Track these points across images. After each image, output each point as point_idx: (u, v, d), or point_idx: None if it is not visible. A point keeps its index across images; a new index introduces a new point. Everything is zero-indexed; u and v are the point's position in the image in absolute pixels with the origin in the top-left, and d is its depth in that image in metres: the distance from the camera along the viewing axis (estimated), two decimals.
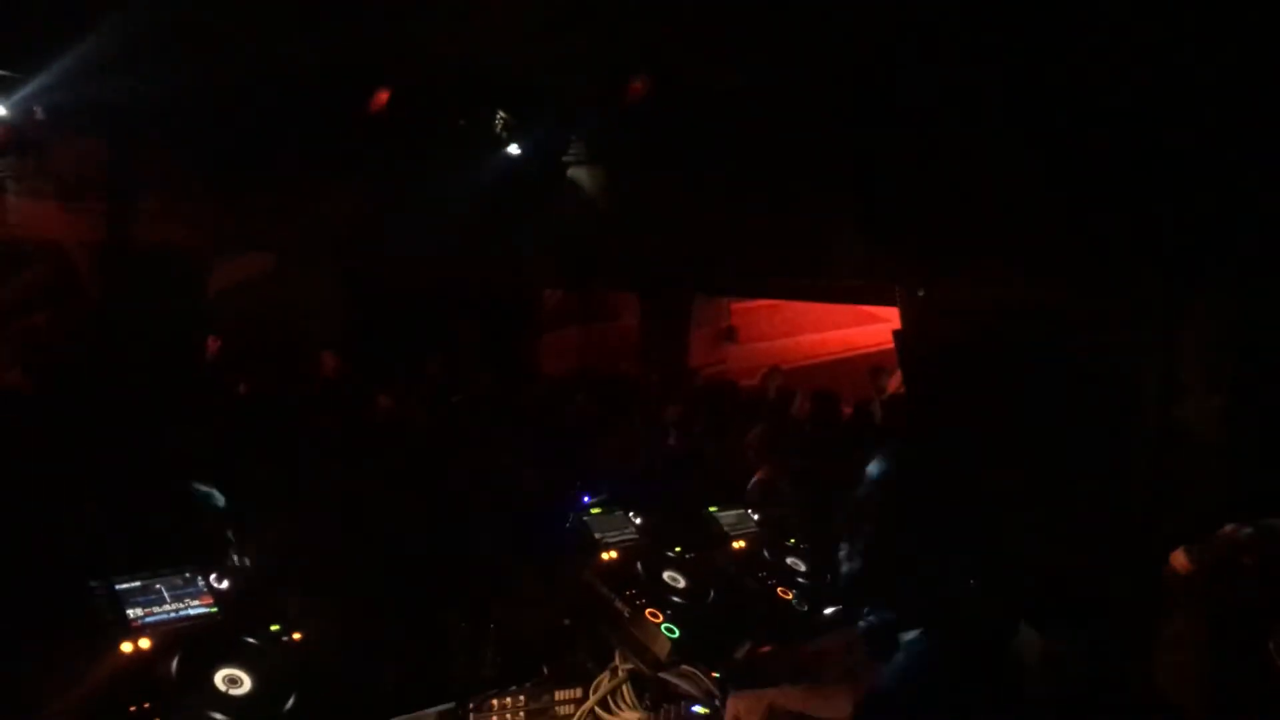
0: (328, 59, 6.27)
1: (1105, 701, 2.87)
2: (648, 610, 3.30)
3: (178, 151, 8.45)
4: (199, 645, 2.53)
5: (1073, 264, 4.79)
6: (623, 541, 3.60)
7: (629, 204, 7.02)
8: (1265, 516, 4.46)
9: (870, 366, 12.60)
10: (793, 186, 6.25)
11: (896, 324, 5.85)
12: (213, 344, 9.38)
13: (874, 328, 13.18)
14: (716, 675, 3.31)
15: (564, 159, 7.04)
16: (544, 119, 6.23)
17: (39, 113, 6.77)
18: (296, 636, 2.67)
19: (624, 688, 3.29)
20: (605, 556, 3.50)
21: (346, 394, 7.32)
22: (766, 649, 3.55)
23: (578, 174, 7.22)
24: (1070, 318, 4.86)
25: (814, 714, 2.90)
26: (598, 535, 3.58)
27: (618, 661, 3.31)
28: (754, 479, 6.26)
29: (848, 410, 9.94)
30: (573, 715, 3.20)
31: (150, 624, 2.55)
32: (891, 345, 6.44)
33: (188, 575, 2.69)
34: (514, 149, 6.65)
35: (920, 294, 5.37)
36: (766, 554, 4.08)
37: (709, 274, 7.14)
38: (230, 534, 4.17)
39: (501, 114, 6.33)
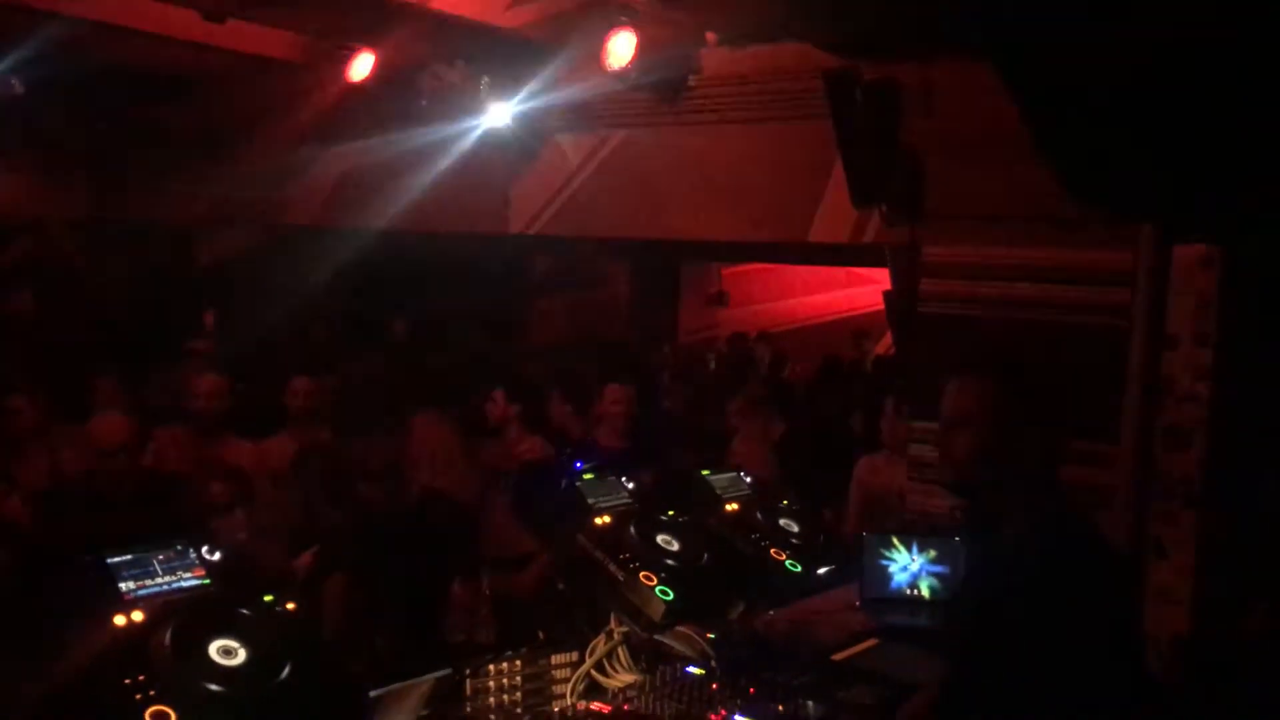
0: (310, 25, 6.22)
1: None
2: (642, 573, 3.32)
3: (162, 122, 8.37)
4: (192, 617, 2.52)
5: (1062, 219, 4.77)
6: (616, 506, 3.61)
7: (615, 167, 6.98)
8: (1253, 471, 4.49)
9: (852, 331, 12.67)
10: (780, 145, 6.22)
11: (887, 285, 5.84)
12: (208, 319, 9.34)
13: (865, 289, 13.19)
14: (711, 636, 3.34)
15: (549, 124, 6.98)
16: (528, 81, 6.18)
17: (18, 86, 6.68)
18: (290, 606, 2.67)
19: (620, 650, 3.31)
20: (599, 521, 3.52)
21: (327, 361, 7.31)
22: (760, 610, 3.59)
23: (563, 139, 7.16)
24: (1058, 273, 4.85)
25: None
26: (591, 500, 3.59)
27: (613, 625, 3.33)
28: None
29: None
30: (569, 679, 3.22)
31: (143, 596, 2.55)
32: (881, 307, 6.43)
33: (179, 548, 2.68)
34: (498, 112, 6.58)
35: (909, 255, 5.35)
36: (759, 516, 4.10)
37: (697, 238, 7.11)
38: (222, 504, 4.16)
39: (485, 78, 6.26)
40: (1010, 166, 4.74)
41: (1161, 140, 4.21)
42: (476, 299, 10.82)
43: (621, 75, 5.54)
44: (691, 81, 6.27)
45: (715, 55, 6.25)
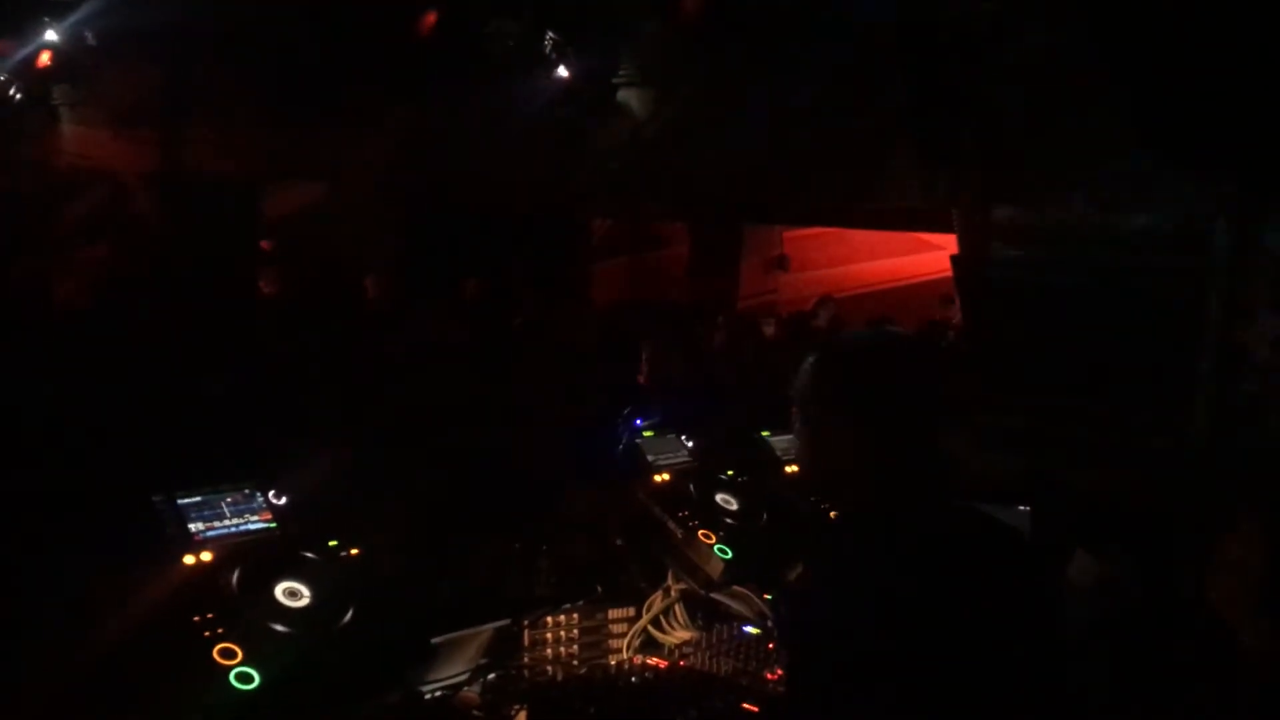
0: None
1: (1157, 623, 2.83)
2: (700, 531, 3.31)
3: (230, 78, 8.45)
4: (259, 559, 2.57)
5: (1136, 184, 4.65)
6: (675, 464, 3.61)
7: (679, 128, 6.92)
8: None
9: (941, 296, 12.39)
10: (848, 107, 6.11)
11: (952, 250, 5.73)
12: (267, 273, 9.46)
13: (929, 255, 12.96)
14: (768, 596, 3.33)
15: (614, 80, 6.93)
16: (594, 39, 6.13)
17: (90, 38, 6.78)
18: (354, 552, 2.71)
19: (676, 607, 3.31)
20: (658, 479, 3.52)
21: (392, 316, 7.38)
22: None
23: (628, 96, 7.11)
24: (1133, 240, 4.73)
25: None
26: (650, 458, 3.59)
27: (670, 582, 3.33)
28: None
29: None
30: (626, 633, 3.23)
31: (212, 538, 2.61)
32: (948, 273, 6.31)
33: (247, 491, 2.74)
34: (563, 70, 6.55)
35: (979, 218, 5.24)
36: None
37: (760, 200, 7.04)
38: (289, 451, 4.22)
39: (551, 34, 6.23)
40: (1083, 117, 4.61)
41: (1246, 96, 4.07)
42: (537, 260, 10.84)
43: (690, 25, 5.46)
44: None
45: None
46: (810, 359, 2.00)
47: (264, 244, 9.42)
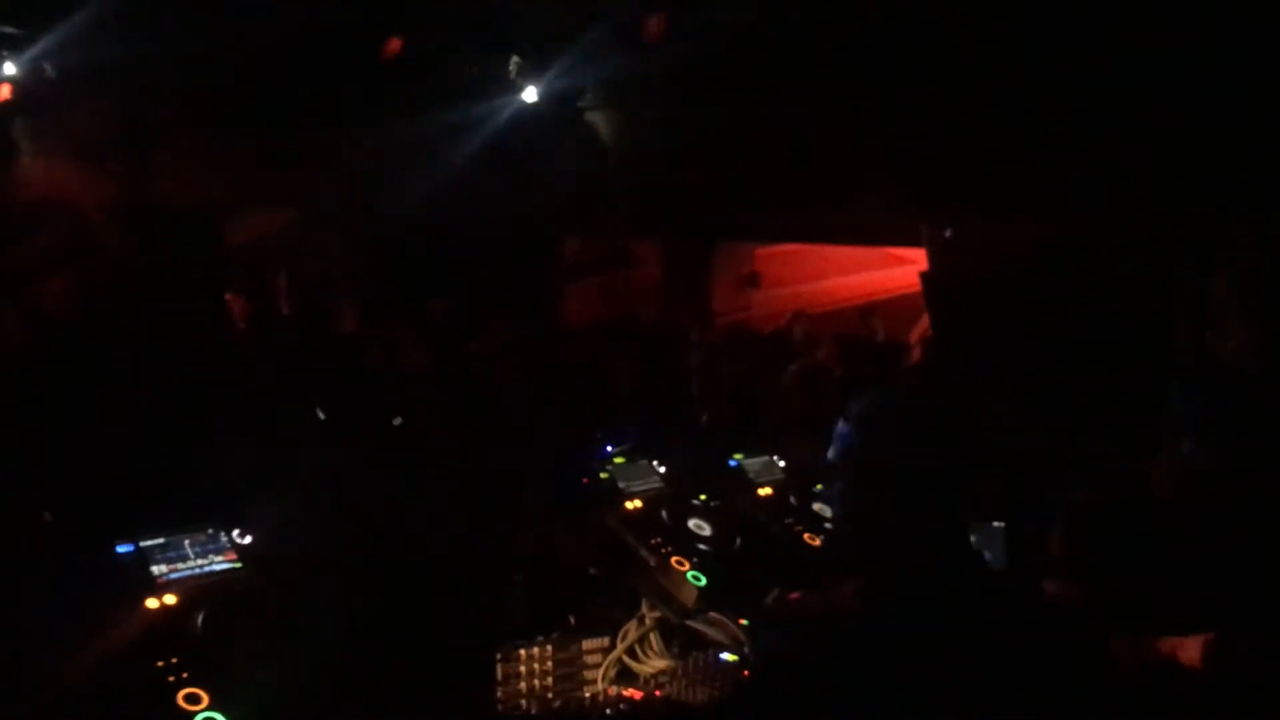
0: (339, 8, 6.20)
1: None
2: (674, 558, 3.28)
3: (192, 105, 8.39)
4: (224, 601, 2.52)
5: (1104, 197, 4.68)
6: (647, 490, 3.58)
7: (647, 148, 6.93)
8: None
9: (860, 310, 12.53)
10: (815, 125, 6.14)
11: (923, 266, 5.75)
12: (233, 302, 9.37)
13: (900, 270, 13.02)
14: (744, 622, 3.30)
15: (579, 103, 6.93)
16: (558, 62, 6.13)
17: (49, 71, 6.71)
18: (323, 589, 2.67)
19: (652, 636, 3.28)
20: (630, 506, 3.48)
21: (363, 344, 7.33)
22: (795, 595, 3.54)
23: (594, 118, 7.11)
24: (1102, 252, 4.76)
25: None
26: (622, 485, 3.56)
27: (645, 610, 3.30)
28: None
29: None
30: (601, 664, 3.19)
31: (175, 580, 2.55)
32: (918, 288, 6.34)
33: (210, 531, 2.68)
34: (528, 94, 6.54)
35: (947, 233, 5.27)
36: (793, 500, 4.05)
37: (730, 218, 7.05)
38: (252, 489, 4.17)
39: (515, 58, 6.23)
40: (1048, 138, 4.65)
41: (1200, 113, 4.12)
42: (506, 282, 10.81)
43: (651, 49, 5.48)
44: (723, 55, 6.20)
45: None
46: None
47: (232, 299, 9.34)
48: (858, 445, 2.00)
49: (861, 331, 11.77)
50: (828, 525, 3.99)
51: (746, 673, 3.09)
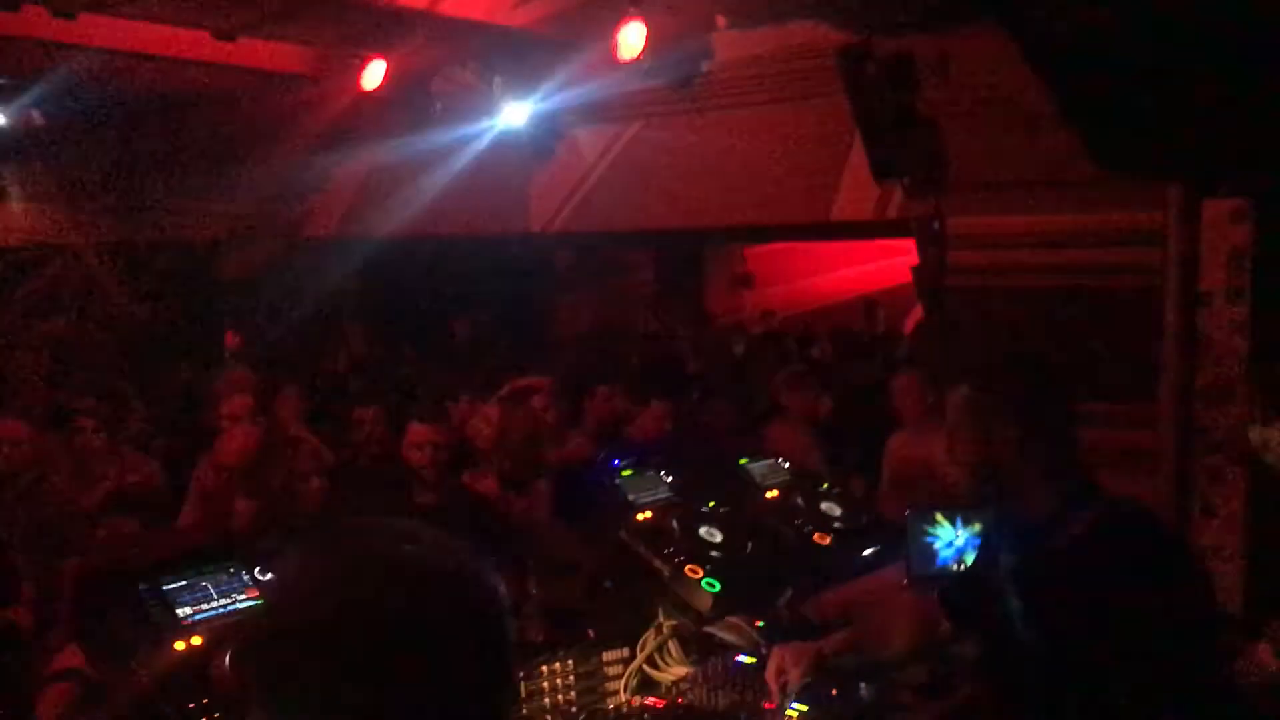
0: (320, 37, 6.25)
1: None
2: (687, 567, 3.33)
3: (181, 141, 8.42)
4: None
5: (1087, 182, 4.73)
6: (656, 501, 3.62)
7: (632, 158, 6.98)
8: None
9: (864, 302, 12.63)
10: (798, 125, 6.20)
11: (914, 259, 5.80)
12: (231, 337, 9.42)
13: (892, 262, 13.05)
14: (760, 624, 3.35)
15: (565, 119, 6.98)
16: (541, 78, 6.18)
17: (37, 118, 6.76)
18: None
19: (670, 644, 3.32)
20: (640, 517, 3.53)
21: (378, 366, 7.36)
22: (809, 594, 3.59)
23: (579, 134, 7.17)
24: (1087, 238, 4.81)
25: (864, 655, 2.93)
26: (631, 497, 3.60)
27: (661, 619, 3.34)
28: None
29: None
30: (622, 674, 3.23)
31: (200, 620, 2.59)
32: (911, 280, 6.39)
33: (231, 570, 2.72)
34: (513, 111, 6.59)
35: (935, 225, 5.31)
36: (800, 501, 4.09)
37: (718, 224, 7.11)
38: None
39: (497, 77, 6.28)
40: (1032, 132, 4.70)
41: (1185, 97, 4.16)
42: (501, 297, 10.86)
43: (633, 66, 5.53)
44: (704, 67, 6.26)
45: (726, 39, 6.24)
46: None
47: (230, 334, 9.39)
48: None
49: (864, 323, 11.82)
50: (836, 524, 4.03)
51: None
